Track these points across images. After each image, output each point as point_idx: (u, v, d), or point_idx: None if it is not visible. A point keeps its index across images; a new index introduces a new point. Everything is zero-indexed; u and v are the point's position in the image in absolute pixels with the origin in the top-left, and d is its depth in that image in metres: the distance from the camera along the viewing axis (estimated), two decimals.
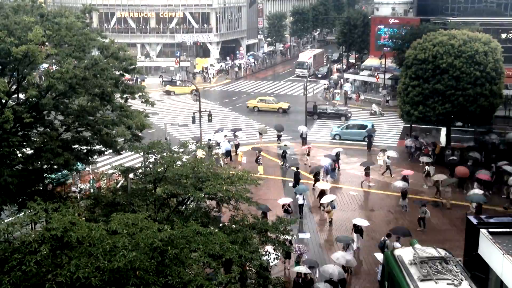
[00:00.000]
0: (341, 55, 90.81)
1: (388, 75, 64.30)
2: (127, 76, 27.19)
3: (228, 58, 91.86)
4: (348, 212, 33.23)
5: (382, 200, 35.58)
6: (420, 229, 30.33)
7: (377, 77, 65.39)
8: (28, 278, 12.43)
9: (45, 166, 22.18)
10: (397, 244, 25.35)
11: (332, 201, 32.01)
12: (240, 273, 15.18)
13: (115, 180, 26.61)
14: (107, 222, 13.56)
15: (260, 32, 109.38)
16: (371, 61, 71.81)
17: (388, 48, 62.42)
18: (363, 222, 28.41)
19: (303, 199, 32.93)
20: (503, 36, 57.68)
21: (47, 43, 21.76)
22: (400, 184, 34.12)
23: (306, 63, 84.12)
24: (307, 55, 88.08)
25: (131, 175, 21.10)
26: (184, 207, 19.52)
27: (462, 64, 38.42)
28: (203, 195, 17.87)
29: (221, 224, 18.91)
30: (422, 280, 17.09)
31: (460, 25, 50.42)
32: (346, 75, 74.95)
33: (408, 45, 47.59)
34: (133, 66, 23.54)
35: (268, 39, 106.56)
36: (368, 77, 68.55)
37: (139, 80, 66.10)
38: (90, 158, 23.95)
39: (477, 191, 32.91)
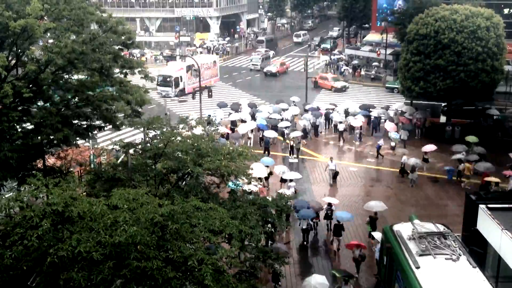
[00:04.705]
0: (342, 30, 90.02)
1: (389, 51, 63.82)
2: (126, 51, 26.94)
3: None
4: (347, 188, 33.38)
5: (382, 176, 35.69)
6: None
7: (378, 52, 64.90)
8: (30, 252, 12.53)
9: (45, 141, 22.15)
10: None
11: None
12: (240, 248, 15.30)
13: (116, 156, 26.55)
14: (108, 197, 13.59)
15: (261, 7, 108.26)
16: (372, 36, 71.16)
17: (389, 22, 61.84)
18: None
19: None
20: (506, 11, 57.07)
21: (45, 17, 21.52)
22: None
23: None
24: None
25: (131, 151, 21.05)
26: (184, 182, 19.55)
27: (464, 40, 38.14)
28: (202, 171, 17.88)
29: (221, 200, 18.97)
30: (420, 255, 17.23)
31: (462, 0, 49.83)
32: (347, 51, 74.45)
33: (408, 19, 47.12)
34: (131, 40, 23.31)
35: (269, 13, 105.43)
36: (369, 53, 68.02)
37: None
38: (90, 133, 23.92)
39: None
